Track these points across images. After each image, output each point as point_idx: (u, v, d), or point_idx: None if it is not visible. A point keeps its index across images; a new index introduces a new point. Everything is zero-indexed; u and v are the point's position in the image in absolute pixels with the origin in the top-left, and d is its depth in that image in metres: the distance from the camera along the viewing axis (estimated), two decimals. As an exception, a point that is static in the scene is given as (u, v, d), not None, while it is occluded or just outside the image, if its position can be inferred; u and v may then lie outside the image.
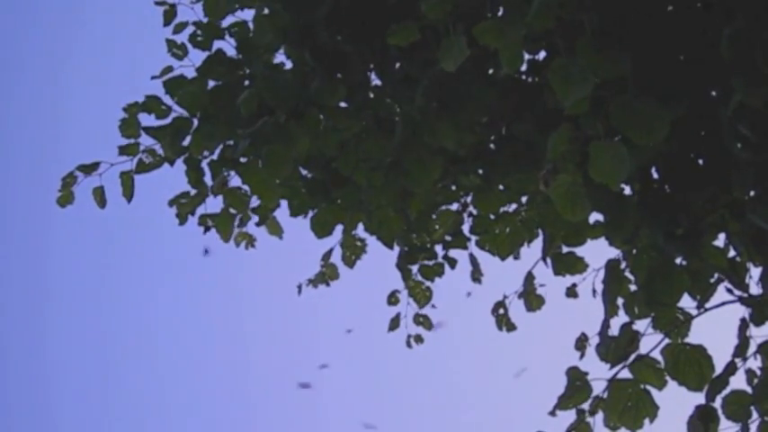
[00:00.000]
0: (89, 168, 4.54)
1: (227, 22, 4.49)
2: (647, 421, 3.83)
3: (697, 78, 3.61)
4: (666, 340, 3.82)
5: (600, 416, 3.92)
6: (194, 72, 4.45)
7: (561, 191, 3.50)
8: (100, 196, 4.54)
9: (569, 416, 3.98)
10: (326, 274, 5.44)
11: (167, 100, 4.49)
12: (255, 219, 5.04)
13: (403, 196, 4.61)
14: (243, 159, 4.46)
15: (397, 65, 4.32)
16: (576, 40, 3.33)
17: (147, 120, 4.54)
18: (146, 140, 4.57)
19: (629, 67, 3.32)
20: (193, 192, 4.76)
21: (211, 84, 4.41)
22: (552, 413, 3.89)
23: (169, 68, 4.48)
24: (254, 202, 4.84)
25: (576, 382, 3.80)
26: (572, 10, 3.34)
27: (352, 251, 5.07)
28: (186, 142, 4.49)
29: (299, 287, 5.52)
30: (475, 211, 4.94)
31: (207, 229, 4.87)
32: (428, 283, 5.37)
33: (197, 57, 4.49)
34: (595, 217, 4.32)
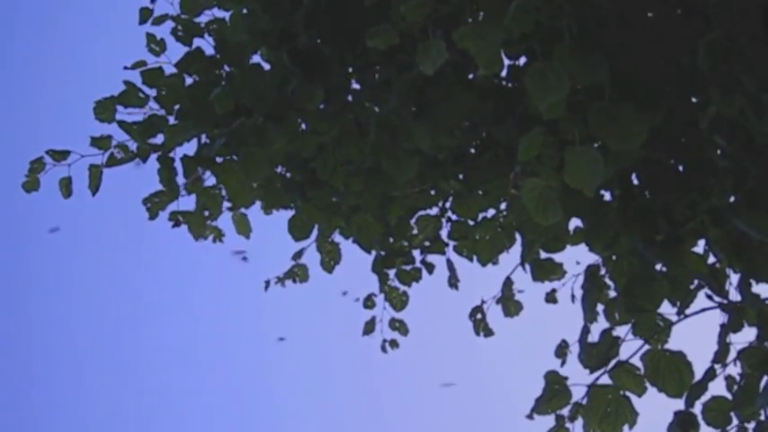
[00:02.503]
0: (59, 155, 4.48)
1: (206, 19, 4.47)
2: (626, 427, 3.82)
3: (676, 85, 3.60)
4: (646, 346, 3.81)
5: (579, 422, 3.91)
6: (172, 68, 4.43)
7: (533, 194, 3.47)
8: (66, 187, 4.49)
9: (548, 422, 3.96)
10: (296, 274, 5.42)
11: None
12: (226, 214, 5.01)
13: (382, 201, 4.58)
14: (219, 160, 4.44)
15: (376, 69, 4.30)
16: (554, 45, 3.31)
17: (121, 114, 4.51)
18: (118, 136, 4.54)
19: (607, 72, 3.31)
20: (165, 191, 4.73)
21: (189, 81, 4.39)
22: (530, 416, 3.87)
23: (142, 62, 4.45)
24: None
25: (555, 386, 3.79)
26: (551, 15, 3.32)
27: (331, 256, 5.04)
28: (159, 140, 4.47)
29: (267, 283, 5.51)
30: (453, 217, 4.91)
31: (176, 224, 4.82)
32: (404, 288, 5.34)
33: (173, 54, 4.47)
34: (575, 223, 4.31)
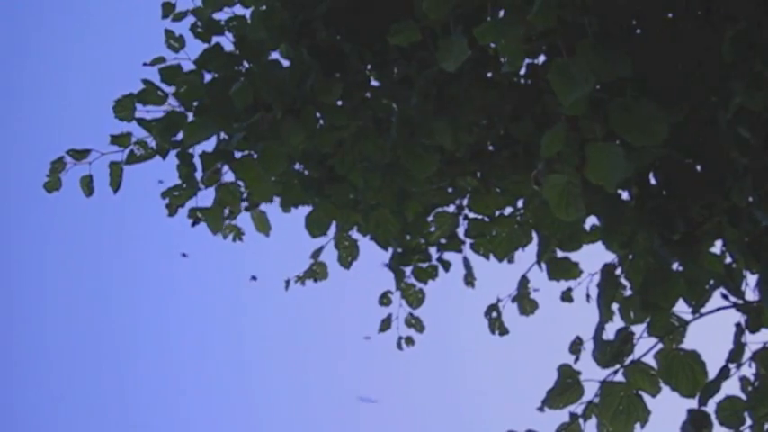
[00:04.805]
0: (79, 155, 4.51)
1: (226, 16, 4.50)
2: (638, 426, 3.83)
3: (696, 83, 3.60)
4: (660, 345, 3.81)
5: (592, 422, 3.91)
6: (191, 64, 4.44)
7: (555, 190, 3.49)
8: (87, 185, 4.51)
9: (560, 418, 3.97)
10: (316, 272, 5.44)
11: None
12: (245, 212, 5.03)
13: (400, 197, 4.60)
14: (237, 155, 4.46)
15: (395, 66, 4.32)
16: (577, 41, 3.33)
17: (141, 111, 4.53)
18: (137, 132, 4.57)
19: (630, 69, 3.32)
20: (184, 186, 4.75)
21: (208, 77, 4.41)
22: (541, 408, 3.88)
23: (161, 59, 4.47)
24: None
25: (568, 379, 3.79)
26: (573, 11, 3.34)
27: (348, 252, 5.05)
28: (179, 137, 4.49)
29: (287, 282, 5.53)
30: (471, 215, 4.93)
31: (196, 222, 4.84)
32: (420, 285, 5.36)
33: (192, 51, 4.49)
34: (592, 221, 4.32)
